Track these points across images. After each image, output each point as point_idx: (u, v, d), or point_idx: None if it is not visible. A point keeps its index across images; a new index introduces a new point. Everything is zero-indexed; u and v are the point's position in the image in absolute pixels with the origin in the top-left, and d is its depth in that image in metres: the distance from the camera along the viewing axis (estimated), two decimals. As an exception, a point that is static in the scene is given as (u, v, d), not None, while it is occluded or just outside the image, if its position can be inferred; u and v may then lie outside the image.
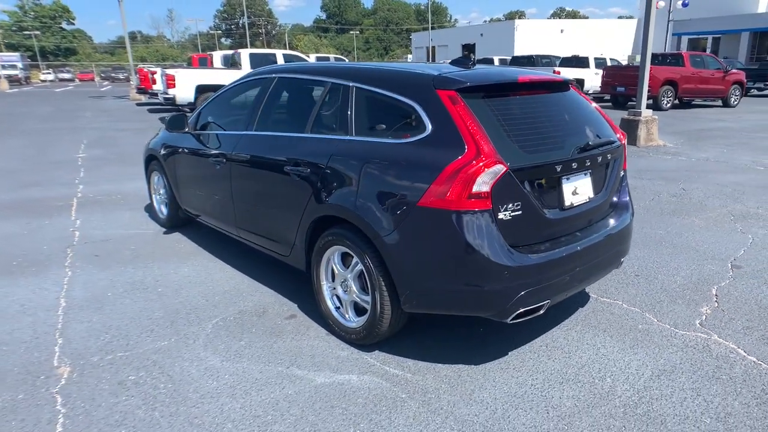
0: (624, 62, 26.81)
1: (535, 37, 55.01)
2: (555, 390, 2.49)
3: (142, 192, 6.31)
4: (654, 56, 18.04)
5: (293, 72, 3.47)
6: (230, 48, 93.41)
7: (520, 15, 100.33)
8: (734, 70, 16.98)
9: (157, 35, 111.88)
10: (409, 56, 77.29)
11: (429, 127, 2.48)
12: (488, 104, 2.53)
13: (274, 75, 3.55)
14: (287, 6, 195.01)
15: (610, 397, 2.43)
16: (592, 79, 18.58)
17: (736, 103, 17.09)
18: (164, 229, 4.96)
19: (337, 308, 3.00)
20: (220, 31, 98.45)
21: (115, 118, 15.57)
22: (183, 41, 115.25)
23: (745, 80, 17.63)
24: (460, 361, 2.74)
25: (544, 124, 2.69)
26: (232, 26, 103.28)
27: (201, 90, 13.40)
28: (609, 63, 19.13)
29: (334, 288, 2.99)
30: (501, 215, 2.36)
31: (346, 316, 2.93)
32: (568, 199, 2.66)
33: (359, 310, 2.90)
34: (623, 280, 3.72)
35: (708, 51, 45.80)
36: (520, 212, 2.42)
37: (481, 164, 2.28)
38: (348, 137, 2.81)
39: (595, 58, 19.05)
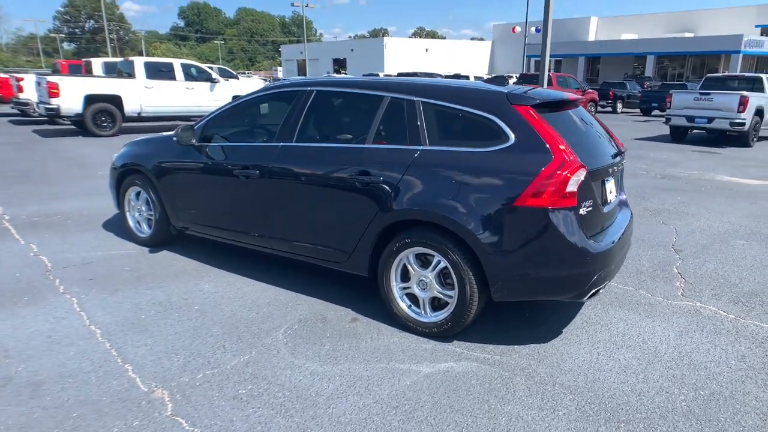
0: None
1: (403, 54, 58.07)
2: (618, 354, 2.99)
3: (87, 212, 5.80)
4: (524, 76, 20.34)
5: (334, 86, 3.62)
6: (75, 54, 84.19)
7: (384, 33, 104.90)
8: (589, 90, 19.84)
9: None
10: (279, 69, 76.59)
11: (512, 137, 2.85)
12: (551, 117, 2.98)
13: (309, 88, 3.65)
14: (137, 11, 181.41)
15: (659, 354, 3.00)
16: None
17: (590, 118, 19.94)
18: (147, 248, 4.65)
19: (409, 306, 3.22)
20: (62, 35, 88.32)
21: (-26, 131, 13.44)
22: (12, 44, 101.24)
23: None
24: (529, 341, 3.13)
25: (586, 135, 3.21)
26: (77, 30, 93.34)
27: (90, 100, 12.22)
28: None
29: (407, 288, 3.20)
30: (581, 210, 2.82)
31: (424, 312, 3.16)
32: (608, 197, 3.21)
33: (434, 305, 3.15)
34: (606, 266, 4.42)
35: (552, 72, 52.07)
36: (591, 208, 2.90)
37: (569, 169, 2.71)
38: (423, 147, 3.06)
39: (475, 77, 20.91)
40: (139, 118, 13.09)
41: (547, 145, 2.78)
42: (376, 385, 2.66)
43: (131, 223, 4.80)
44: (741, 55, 38.25)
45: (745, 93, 12.32)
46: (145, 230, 4.70)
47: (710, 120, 12.61)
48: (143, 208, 4.66)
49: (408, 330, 3.22)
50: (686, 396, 2.61)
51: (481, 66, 59.29)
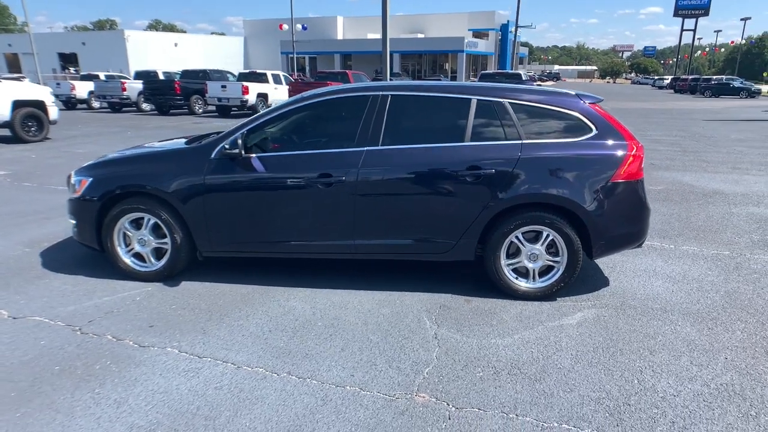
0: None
1: (149, 48, 53.12)
2: (655, 282, 4.11)
3: None
4: (325, 74, 21.33)
5: (408, 90, 3.84)
6: None
7: (113, 24, 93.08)
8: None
9: None
10: (-21, 65, 61.38)
11: (593, 128, 3.65)
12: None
13: (383, 93, 3.78)
14: None
15: (674, 277, 4.22)
16: (274, 94, 20.39)
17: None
18: (160, 282, 4.01)
19: (516, 278, 3.76)
20: None
21: None
22: None
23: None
24: (599, 287, 4.01)
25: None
26: None
27: None
28: (283, 78, 21.36)
29: (513, 263, 3.74)
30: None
31: (532, 279, 3.75)
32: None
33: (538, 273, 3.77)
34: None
35: (307, 68, 54.62)
36: (640, 176, 3.91)
37: (641, 151, 3.65)
38: (524, 141, 3.62)
39: (272, 74, 20.95)
40: None
41: (621, 133, 3.66)
42: (558, 341, 3.18)
43: (126, 258, 4.03)
44: (465, 54, 46.50)
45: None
46: (154, 263, 4.02)
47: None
48: (149, 237, 3.98)
49: (515, 298, 3.76)
50: (716, 296, 3.85)
51: (235, 62, 58.19)
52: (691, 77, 49.74)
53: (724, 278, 4.21)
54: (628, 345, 3.14)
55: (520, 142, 3.64)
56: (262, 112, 4.00)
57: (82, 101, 23.20)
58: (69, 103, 23.05)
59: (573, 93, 3.82)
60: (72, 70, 53.39)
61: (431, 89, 3.87)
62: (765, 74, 74.17)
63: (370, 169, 3.66)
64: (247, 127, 3.85)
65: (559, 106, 3.71)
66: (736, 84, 40.25)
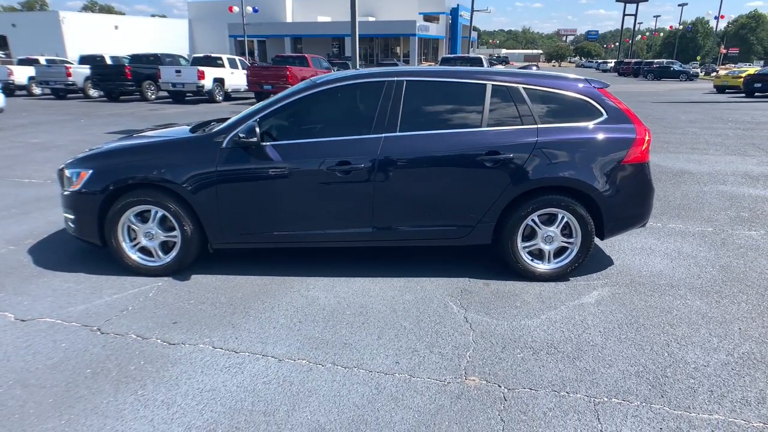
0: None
1: (87, 31, 50.31)
2: (654, 259, 4.31)
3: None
4: (284, 58, 20.83)
5: (422, 76, 3.82)
6: None
7: (44, 5, 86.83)
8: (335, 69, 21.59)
9: None
10: None
11: (604, 113, 3.76)
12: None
13: (397, 79, 3.74)
14: None
15: (670, 254, 4.45)
16: (230, 79, 19.78)
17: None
18: (169, 277, 3.86)
19: (532, 260, 3.86)
20: None
21: None
22: None
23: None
24: (606, 266, 4.18)
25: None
26: None
27: None
28: (239, 63, 20.71)
29: (529, 245, 3.83)
30: (647, 161, 3.96)
31: (547, 261, 3.86)
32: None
33: (552, 254, 3.88)
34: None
35: (256, 52, 53.19)
36: (643, 158, 4.07)
37: (648, 134, 3.80)
38: (539, 126, 3.68)
39: (228, 59, 20.26)
40: None
41: (629, 117, 3.80)
42: (583, 319, 3.30)
43: (132, 253, 3.85)
44: (417, 38, 46.48)
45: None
46: (162, 257, 3.86)
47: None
48: (157, 231, 3.81)
49: (531, 279, 3.86)
50: (713, 271, 4.09)
51: (180, 46, 55.86)
52: (634, 61, 51.86)
53: (715, 254, 4.47)
54: (648, 320, 3.30)
55: (536, 126, 3.71)
56: (272, 99, 3.88)
57: (22, 87, 21.74)
58: (7, 89, 21.44)
59: (582, 78, 3.92)
60: (1, 53, 49.83)
61: (446, 75, 3.87)
62: (698, 58, 78.29)
63: (388, 156, 3.64)
64: (260, 115, 3.73)
65: (570, 91, 3.80)
66: (677, 67, 42.28)
